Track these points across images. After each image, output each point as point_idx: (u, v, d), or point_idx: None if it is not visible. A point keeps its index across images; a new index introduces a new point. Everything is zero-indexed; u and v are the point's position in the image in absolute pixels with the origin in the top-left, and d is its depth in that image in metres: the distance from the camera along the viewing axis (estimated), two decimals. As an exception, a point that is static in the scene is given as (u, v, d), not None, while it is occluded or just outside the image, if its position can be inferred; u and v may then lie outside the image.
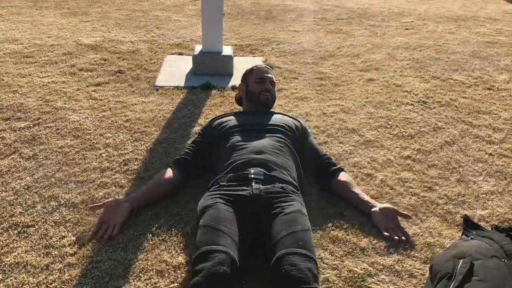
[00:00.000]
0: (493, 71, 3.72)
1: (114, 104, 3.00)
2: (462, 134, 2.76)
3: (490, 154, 2.58)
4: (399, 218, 2.03)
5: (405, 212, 2.05)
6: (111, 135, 2.63)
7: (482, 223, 2.05)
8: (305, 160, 2.22)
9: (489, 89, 3.40)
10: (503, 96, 3.28)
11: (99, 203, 2.02)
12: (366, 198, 2.11)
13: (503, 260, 1.65)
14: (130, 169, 2.35)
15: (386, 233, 1.94)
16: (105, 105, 2.98)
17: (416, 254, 1.88)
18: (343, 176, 2.20)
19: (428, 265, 1.81)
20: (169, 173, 2.14)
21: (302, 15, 5.39)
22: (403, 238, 1.93)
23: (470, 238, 1.91)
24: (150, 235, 1.93)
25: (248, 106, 2.47)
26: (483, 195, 2.25)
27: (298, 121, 2.44)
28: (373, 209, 2.03)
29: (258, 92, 2.41)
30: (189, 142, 2.46)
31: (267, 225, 1.74)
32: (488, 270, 1.57)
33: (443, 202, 2.19)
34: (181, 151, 2.34)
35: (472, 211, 2.14)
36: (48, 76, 3.39)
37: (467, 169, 2.44)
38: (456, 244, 1.87)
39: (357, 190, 2.15)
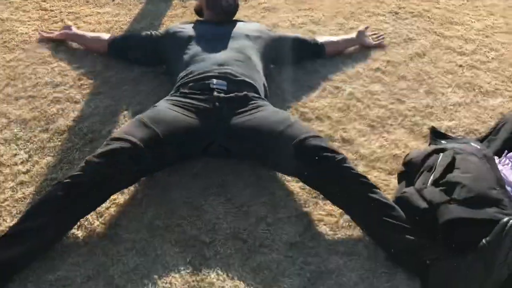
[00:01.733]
0: (468, -19, 3.57)
1: (67, 15, 2.77)
2: (433, 46, 2.68)
3: (460, 66, 2.52)
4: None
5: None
6: (64, 48, 2.45)
7: (449, 134, 2.04)
8: (287, 53, 2.30)
9: (463, -1, 3.27)
10: (476, 6, 3.17)
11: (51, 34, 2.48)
12: (346, 37, 2.57)
13: (480, 158, 1.64)
14: (85, 84, 2.20)
15: (374, 42, 2.57)
16: (56, 16, 2.75)
17: (381, 166, 1.87)
18: (323, 40, 2.47)
19: (393, 176, 1.81)
20: (103, 40, 2.35)
21: None
22: (380, 37, 2.61)
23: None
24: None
25: (208, 15, 2.29)
26: (451, 107, 2.22)
27: (262, 26, 2.34)
28: (354, 39, 2.55)
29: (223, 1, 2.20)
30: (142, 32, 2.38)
31: (246, 130, 1.68)
32: (469, 163, 1.57)
33: (411, 114, 2.15)
34: (127, 32, 2.57)
35: (439, 122, 2.12)
36: (-8, -16, 3.08)
37: (436, 81, 2.39)
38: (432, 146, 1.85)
39: (337, 38, 2.54)
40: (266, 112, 1.74)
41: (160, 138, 1.57)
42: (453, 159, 1.56)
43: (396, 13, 3.01)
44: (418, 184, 1.56)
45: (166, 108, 1.72)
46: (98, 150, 1.52)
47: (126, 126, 1.67)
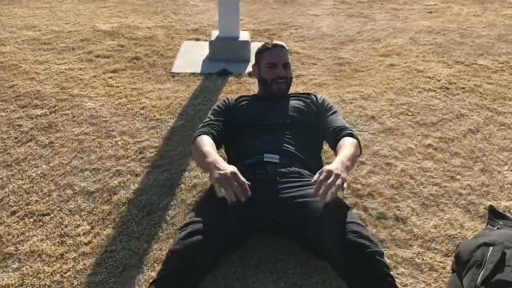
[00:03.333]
0: (520, 56, 3.57)
1: (130, 91, 2.98)
2: (486, 122, 2.66)
3: (516, 143, 2.48)
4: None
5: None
6: (127, 123, 2.62)
7: (507, 215, 1.98)
8: (324, 135, 2.06)
9: (515, 74, 3.27)
10: (530, 82, 3.15)
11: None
12: (337, 160, 1.73)
13: None
14: (146, 157, 2.33)
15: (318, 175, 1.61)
16: (121, 92, 2.96)
17: (437, 247, 1.83)
18: (343, 141, 1.89)
19: (449, 258, 1.76)
20: (209, 139, 1.87)
21: (322, -2, 5.27)
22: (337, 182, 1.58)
23: (496, 228, 1.84)
24: (165, 224, 1.91)
25: (262, 92, 2.26)
26: (508, 186, 2.17)
27: (315, 97, 2.20)
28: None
29: (270, 79, 2.13)
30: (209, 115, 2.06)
31: (295, 205, 1.68)
32: None
33: (466, 193, 2.12)
34: (204, 122, 2.00)
35: (496, 202, 2.06)
36: (65, 63, 3.38)
37: (492, 158, 2.35)
38: (484, 232, 1.80)
39: (342, 152, 1.80)
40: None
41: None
42: (503, 254, 1.50)
43: (447, 88, 3.03)
44: (466, 281, 1.50)
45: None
46: (176, 237, 1.58)
47: (194, 210, 1.70)
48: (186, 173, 2.22)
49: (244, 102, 2.20)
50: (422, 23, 4.35)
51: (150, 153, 2.36)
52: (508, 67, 3.36)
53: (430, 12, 4.76)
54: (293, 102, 2.22)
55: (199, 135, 1.89)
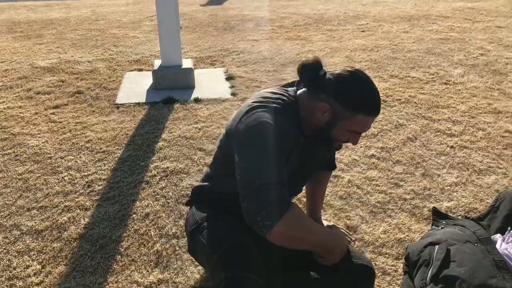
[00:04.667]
0: (448, 66, 3.82)
1: (74, 125, 2.93)
2: (423, 129, 2.82)
3: (452, 147, 2.64)
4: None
5: (352, 236, 1.88)
6: (72, 157, 2.57)
7: (449, 214, 2.09)
8: None
9: (445, 83, 3.49)
10: (459, 90, 3.37)
11: None
12: (320, 208, 1.85)
13: (476, 244, 1.68)
14: (94, 190, 2.29)
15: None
16: (65, 127, 2.90)
17: (387, 251, 1.90)
18: (321, 175, 1.79)
19: (400, 261, 1.83)
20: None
21: (260, 24, 5.43)
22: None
23: (440, 227, 1.94)
24: (119, 256, 1.88)
25: (308, 129, 1.46)
26: (448, 187, 2.30)
27: None
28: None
29: (337, 144, 1.55)
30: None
31: None
32: (464, 254, 1.59)
33: (410, 197, 2.22)
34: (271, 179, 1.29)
35: (438, 203, 2.18)
36: (3, 102, 3.28)
37: (431, 163, 2.49)
38: (429, 233, 1.89)
39: (320, 192, 1.81)
40: None
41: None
42: (448, 251, 1.60)
43: (385, 101, 3.19)
44: (417, 280, 1.58)
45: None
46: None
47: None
48: (137, 202, 2.20)
49: (294, 146, 1.47)
50: (357, 42, 4.56)
51: (98, 186, 2.32)
52: (438, 78, 3.58)
53: (363, 31, 5.01)
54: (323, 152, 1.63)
55: (288, 207, 1.30)
